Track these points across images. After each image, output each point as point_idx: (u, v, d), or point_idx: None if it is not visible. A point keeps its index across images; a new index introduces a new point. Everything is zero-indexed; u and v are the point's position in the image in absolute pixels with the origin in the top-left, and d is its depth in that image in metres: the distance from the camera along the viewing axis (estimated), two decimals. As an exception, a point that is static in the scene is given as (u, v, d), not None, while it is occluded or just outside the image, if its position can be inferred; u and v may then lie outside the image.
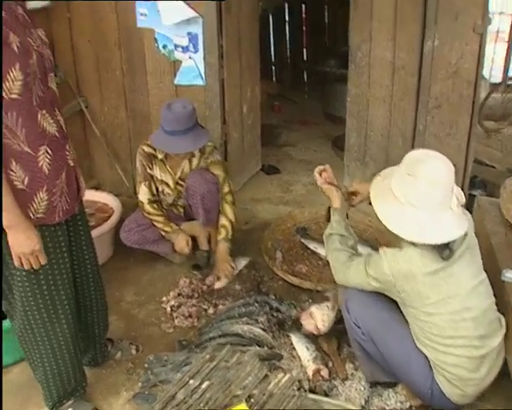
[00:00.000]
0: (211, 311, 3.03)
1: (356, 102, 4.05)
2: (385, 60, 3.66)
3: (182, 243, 3.31)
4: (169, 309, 3.07)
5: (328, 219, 2.50)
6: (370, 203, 2.19)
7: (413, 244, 2.04)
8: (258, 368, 1.91)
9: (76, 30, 4.04)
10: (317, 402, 1.77)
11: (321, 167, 2.58)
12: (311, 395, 1.84)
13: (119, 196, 4.02)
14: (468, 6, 3.14)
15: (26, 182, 1.91)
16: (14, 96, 1.80)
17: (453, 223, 2.01)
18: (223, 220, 3.34)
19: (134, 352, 2.76)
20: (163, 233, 3.33)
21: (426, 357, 2.16)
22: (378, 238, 3.60)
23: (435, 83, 3.34)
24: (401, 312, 2.22)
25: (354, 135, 4.15)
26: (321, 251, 3.45)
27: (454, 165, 2.07)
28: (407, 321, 2.20)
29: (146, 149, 3.27)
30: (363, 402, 2.35)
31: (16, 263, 1.95)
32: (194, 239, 3.45)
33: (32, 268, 1.99)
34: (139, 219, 3.39)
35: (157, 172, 3.32)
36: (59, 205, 2.03)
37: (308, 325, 2.68)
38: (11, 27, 1.77)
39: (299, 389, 1.80)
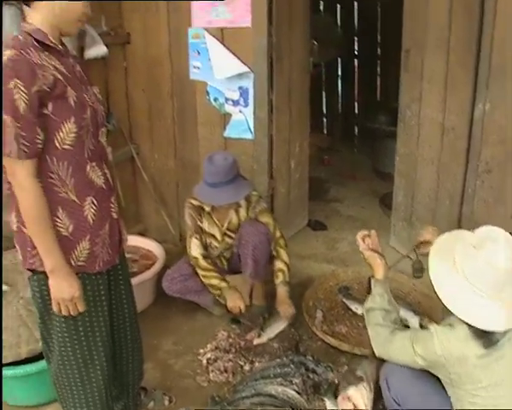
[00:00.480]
0: (247, 367, 2.99)
1: (404, 161, 4.02)
2: (434, 121, 3.61)
3: (234, 300, 3.25)
4: (205, 362, 3.05)
5: (369, 290, 2.40)
6: None
7: (466, 323, 1.93)
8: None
9: (131, 79, 4.19)
10: None
11: (364, 232, 2.49)
12: None
13: (163, 242, 4.08)
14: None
15: (70, 229, 1.96)
16: (66, 146, 1.89)
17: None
18: (279, 264, 3.33)
19: (167, 403, 2.74)
20: (214, 290, 3.29)
21: None
22: (422, 302, 3.51)
23: (486, 147, 3.27)
24: (445, 389, 2.11)
25: (401, 194, 4.10)
26: (362, 312, 3.38)
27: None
28: (450, 401, 2.10)
29: (194, 202, 3.31)
30: None
31: (55, 308, 1.99)
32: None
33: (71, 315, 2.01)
34: (182, 268, 3.41)
35: (205, 225, 3.35)
36: (100, 255, 2.07)
37: (346, 408, 2.52)
38: (69, 82, 1.88)
39: None
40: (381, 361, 2.34)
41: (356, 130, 7.68)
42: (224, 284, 3.27)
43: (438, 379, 2.11)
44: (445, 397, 2.11)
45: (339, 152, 7.03)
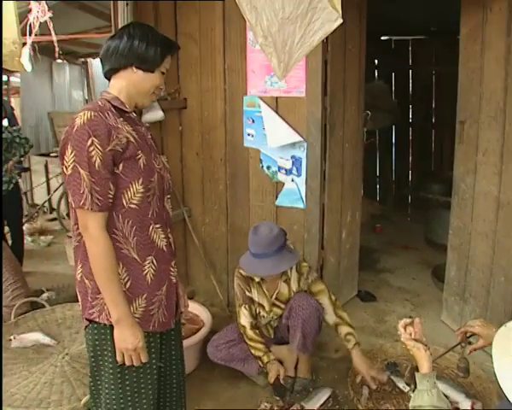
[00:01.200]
0: (289, 441, 2.91)
1: (458, 234, 3.93)
2: (489, 194, 3.54)
3: (275, 373, 3.22)
4: (246, 433, 2.99)
5: (412, 382, 2.27)
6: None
7: None
8: None
9: (186, 142, 4.32)
10: None
11: (407, 321, 2.32)
12: None
13: (211, 306, 4.08)
14: None
15: (127, 285, 2.02)
16: (132, 205, 2.00)
17: None
18: (346, 329, 3.28)
19: None
20: (259, 362, 3.29)
21: None
22: (474, 384, 3.35)
23: (542, 224, 3.19)
24: None
25: (454, 268, 4.00)
26: (410, 392, 3.25)
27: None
28: None
29: (243, 271, 3.31)
30: None
31: (118, 358, 2.02)
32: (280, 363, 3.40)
33: (121, 368, 2.04)
34: (228, 335, 3.41)
35: (254, 295, 3.35)
36: (156, 315, 2.10)
37: None
38: (141, 147, 2.02)
39: None
40: None
41: (409, 198, 7.61)
42: (265, 359, 3.25)
43: None
44: None
45: (391, 220, 6.96)
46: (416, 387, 2.23)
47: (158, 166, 2.10)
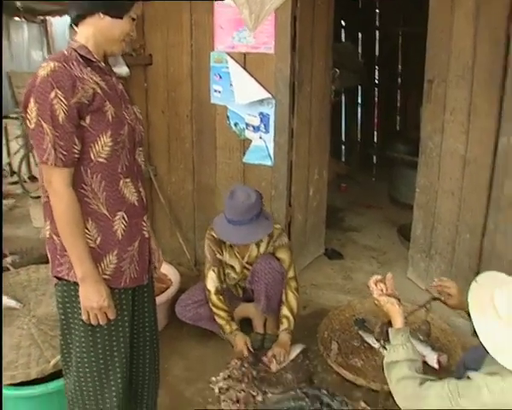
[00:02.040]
0: (259, 398, 2.91)
1: (424, 192, 3.96)
2: (456, 152, 3.57)
3: (240, 345, 3.21)
4: (217, 391, 2.98)
5: (382, 337, 2.27)
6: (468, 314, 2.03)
7: None
8: None
9: (151, 100, 4.20)
10: None
11: (378, 277, 2.32)
12: None
13: (178, 265, 4.04)
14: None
15: (97, 242, 1.96)
16: (101, 159, 1.92)
17: None
18: (285, 311, 3.26)
19: (177, 432, 2.68)
20: (221, 329, 3.26)
21: None
22: (440, 338, 3.43)
23: (509, 180, 3.21)
24: None
25: (420, 226, 4.04)
26: (378, 346, 3.31)
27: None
28: None
29: (214, 234, 3.22)
30: None
31: (84, 317, 1.98)
32: (249, 321, 3.39)
33: (91, 326, 2.00)
34: (195, 295, 3.37)
35: (226, 257, 3.29)
36: (127, 271, 2.05)
37: None
38: (109, 98, 1.93)
39: None
40: None
41: (374, 158, 7.66)
42: (227, 328, 3.22)
43: None
44: None
45: (356, 180, 7.00)
46: (385, 342, 2.26)
47: (129, 118, 2.01)
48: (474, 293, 2.00)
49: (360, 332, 3.49)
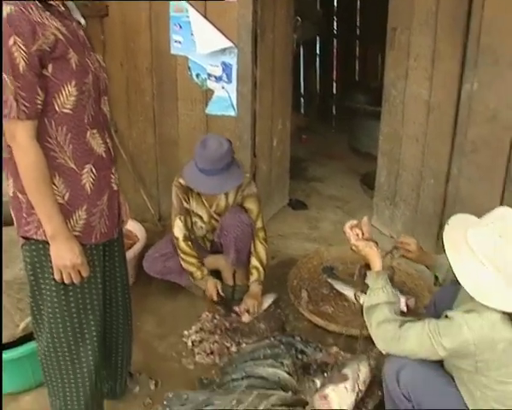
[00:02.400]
0: (233, 349, 2.93)
1: (388, 140, 3.99)
2: (420, 98, 3.58)
3: (212, 290, 3.22)
4: (190, 344, 2.99)
5: (362, 280, 2.29)
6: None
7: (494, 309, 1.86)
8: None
9: (109, 52, 4.04)
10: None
11: (353, 222, 2.33)
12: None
13: (142, 221, 3.97)
14: (509, 50, 3.06)
15: (66, 197, 1.89)
16: (66, 110, 1.83)
17: None
18: (255, 262, 3.26)
19: (153, 387, 2.67)
20: (191, 277, 3.25)
21: None
22: (406, 282, 3.50)
23: (472, 126, 3.24)
24: (453, 379, 2.06)
25: (385, 174, 4.08)
26: (348, 293, 3.36)
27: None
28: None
29: (182, 181, 3.16)
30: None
31: (57, 277, 1.92)
32: (218, 273, 3.38)
33: (64, 286, 1.95)
34: (163, 248, 3.33)
35: (193, 206, 3.24)
36: (97, 226, 1.99)
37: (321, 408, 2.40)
38: (72, 45, 1.82)
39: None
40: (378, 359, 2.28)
41: (333, 109, 7.64)
42: (198, 274, 3.21)
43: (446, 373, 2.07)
44: (455, 389, 2.05)
45: (316, 131, 6.97)
46: (364, 287, 2.27)
47: (92, 66, 1.92)
48: (448, 235, 2.03)
49: (329, 280, 3.53)
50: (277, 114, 4.19)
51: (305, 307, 3.25)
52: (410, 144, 3.75)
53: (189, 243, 3.22)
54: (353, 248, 2.29)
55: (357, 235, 2.29)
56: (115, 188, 2.08)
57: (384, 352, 2.12)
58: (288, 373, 2.56)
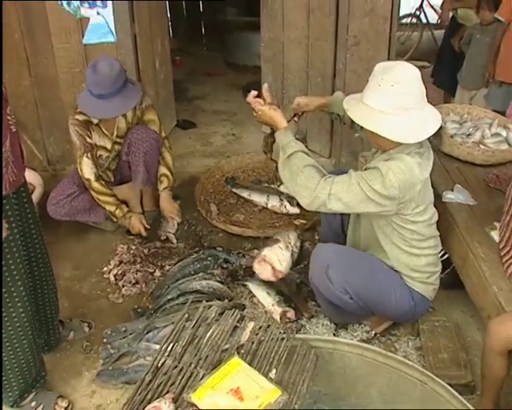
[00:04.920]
0: (158, 273, 2.95)
1: (270, 46, 4.03)
2: (299, 1, 3.64)
3: (137, 225, 3.17)
4: (113, 279, 2.96)
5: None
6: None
7: (408, 155, 2.05)
8: (234, 320, 1.88)
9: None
10: (306, 341, 1.78)
11: (254, 93, 2.40)
12: (299, 335, 1.85)
13: (31, 169, 3.78)
14: None
15: None
16: None
17: (435, 113, 2.09)
18: (163, 170, 3.26)
19: (87, 329, 2.63)
20: (111, 216, 3.16)
21: (403, 284, 2.27)
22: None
23: (353, 21, 3.37)
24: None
25: (270, 80, 4.13)
26: (254, 198, 3.50)
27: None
28: (380, 252, 2.29)
29: (80, 117, 2.99)
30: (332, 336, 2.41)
31: None
32: (125, 203, 3.33)
33: None
34: (66, 189, 3.18)
35: (95, 138, 3.09)
36: (5, 176, 1.85)
37: (264, 271, 2.57)
38: None
39: (284, 332, 1.80)
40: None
41: (203, 27, 7.50)
42: (118, 212, 3.14)
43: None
44: (377, 260, 2.29)
45: (188, 52, 6.87)
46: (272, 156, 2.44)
47: None
48: (347, 102, 2.17)
49: (233, 190, 3.63)
50: (156, 33, 4.09)
51: (217, 219, 3.31)
52: (293, 47, 3.83)
53: (103, 181, 3.12)
54: (259, 113, 2.35)
55: (260, 103, 2.36)
56: (14, 129, 1.93)
57: (308, 207, 2.15)
58: (220, 282, 2.64)
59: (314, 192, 2.08)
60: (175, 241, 3.18)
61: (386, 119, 1.98)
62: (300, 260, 2.77)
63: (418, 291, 2.29)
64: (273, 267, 2.56)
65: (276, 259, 2.57)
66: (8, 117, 1.89)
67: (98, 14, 3.53)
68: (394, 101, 1.97)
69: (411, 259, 2.25)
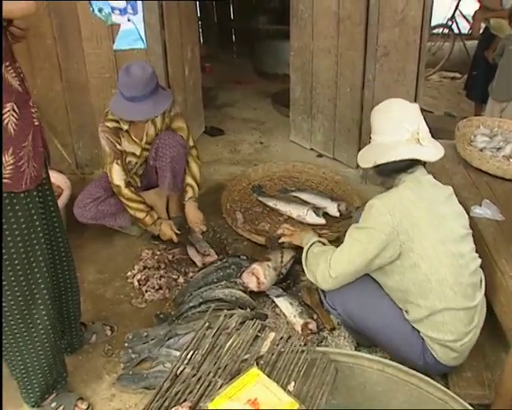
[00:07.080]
0: (181, 280, 2.96)
1: (299, 55, 4.03)
2: (329, 10, 3.63)
3: (168, 232, 3.17)
4: (137, 284, 2.96)
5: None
6: None
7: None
8: (255, 330, 1.87)
9: (0, -4, 3.74)
10: (326, 354, 1.76)
11: (279, 232, 2.77)
12: (320, 348, 1.83)
13: (60, 172, 3.83)
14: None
15: None
16: None
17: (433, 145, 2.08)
18: (189, 180, 3.25)
19: (109, 333, 2.63)
20: (141, 223, 3.17)
21: (413, 329, 2.10)
22: (334, 189, 3.64)
23: (382, 31, 3.35)
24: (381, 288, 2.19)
25: (299, 89, 4.14)
26: (280, 207, 3.48)
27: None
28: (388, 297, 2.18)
29: (109, 124, 3.01)
30: (353, 350, 2.38)
31: None
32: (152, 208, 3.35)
33: (5, 247, 1.83)
34: (93, 193, 3.20)
35: (125, 145, 3.11)
36: (26, 171, 1.83)
37: (250, 282, 2.68)
38: None
39: (305, 345, 1.78)
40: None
41: (233, 35, 7.54)
42: (150, 220, 3.13)
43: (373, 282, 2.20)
44: (383, 294, 2.18)
45: (218, 59, 6.92)
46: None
47: None
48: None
49: (260, 198, 3.61)
50: (186, 41, 4.12)
51: (242, 227, 3.31)
52: (322, 57, 3.82)
53: (132, 188, 3.12)
54: (287, 239, 2.72)
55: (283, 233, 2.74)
56: (37, 123, 1.89)
57: (326, 288, 2.24)
58: (243, 291, 2.63)
59: (318, 275, 2.22)
60: (215, 256, 3.11)
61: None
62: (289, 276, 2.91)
63: (433, 353, 2.08)
64: (258, 279, 2.69)
65: (262, 273, 2.70)
66: (32, 110, 1.86)
67: (129, 20, 3.57)
68: None
69: (434, 316, 2.02)
